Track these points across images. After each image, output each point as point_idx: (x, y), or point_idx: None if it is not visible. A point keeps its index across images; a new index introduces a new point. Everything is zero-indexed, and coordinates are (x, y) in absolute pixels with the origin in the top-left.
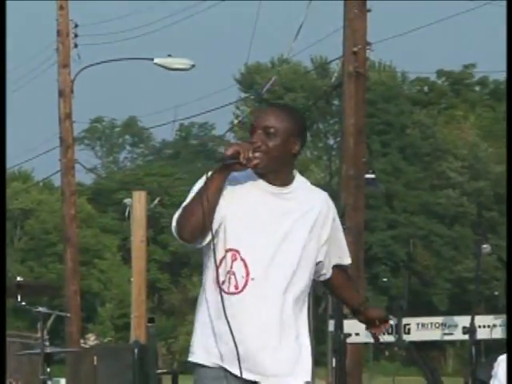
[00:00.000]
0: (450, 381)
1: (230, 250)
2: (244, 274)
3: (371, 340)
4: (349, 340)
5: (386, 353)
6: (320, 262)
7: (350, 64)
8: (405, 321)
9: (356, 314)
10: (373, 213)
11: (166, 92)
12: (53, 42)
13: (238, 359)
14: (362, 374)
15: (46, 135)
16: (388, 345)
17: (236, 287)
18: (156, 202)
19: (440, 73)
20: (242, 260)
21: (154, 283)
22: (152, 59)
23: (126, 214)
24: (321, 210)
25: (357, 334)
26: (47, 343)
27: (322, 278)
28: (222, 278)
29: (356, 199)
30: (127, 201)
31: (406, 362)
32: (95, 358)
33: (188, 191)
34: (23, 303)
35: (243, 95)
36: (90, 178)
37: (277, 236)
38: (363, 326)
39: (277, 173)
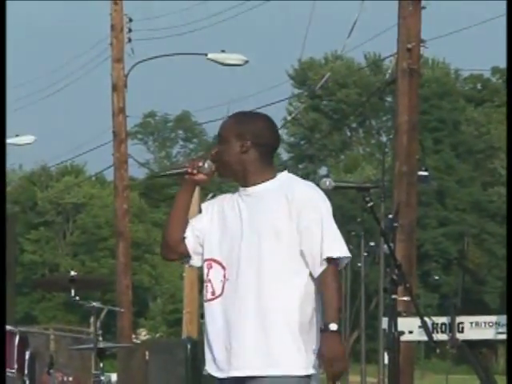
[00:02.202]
0: (502, 379)
1: (206, 260)
2: (222, 278)
3: (424, 338)
4: (402, 338)
5: (438, 351)
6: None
7: (404, 61)
8: (458, 319)
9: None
10: (424, 210)
11: (219, 87)
12: (107, 36)
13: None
14: (413, 372)
15: (99, 129)
16: (440, 343)
17: (213, 293)
18: (209, 197)
19: (494, 70)
20: (219, 264)
21: None
22: (206, 54)
23: None
24: (292, 200)
25: (410, 332)
26: (100, 338)
27: (314, 275)
28: (203, 289)
29: (409, 196)
30: None
31: (457, 361)
32: (147, 352)
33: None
34: (77, 298)
35: (296, 91)
36: (142, 172)
37: (248, 236)
38: (416, 323)
39: (243, 176)
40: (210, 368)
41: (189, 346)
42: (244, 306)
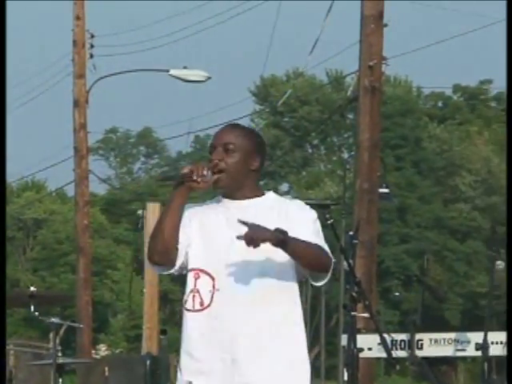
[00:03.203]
0: None
1: (192, 269)
2: (211, 288)
3: (383, 355)
4: (361, 354)
5: (397, 368)
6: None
7: (366, 78)
8: (418, 336)
9: None
10: (386, 227)
11: (182, 104)
12: (68, 52)
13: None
14: None
15: (61, 145)
16: (400, 360)
17: (201, 304)
18: None
19: (456, 88)
20: (207, 274)
21: (167, 294)
22: (167, 71)
23: (140, 225)
24: (280, 208)
25: (369, 349)
26: (59, 354)
27: (312, 282)
28: (185, 298)
29: (369, 213)
30: (141, 212)
31: (417, 377)
32: (107, 368)
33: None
34: (36, 313)
35: (258, 108)
36: (103, 188)
37: (237, 245)
38: (376, 340)
39: (238, 189)
40: (196, 378)
41: (148, 362)
42: (242, 317)
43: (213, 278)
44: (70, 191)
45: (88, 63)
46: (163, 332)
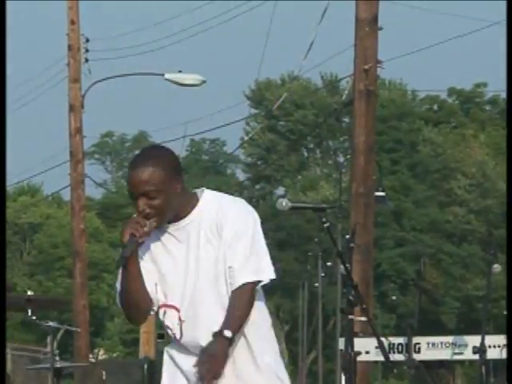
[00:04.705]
0: None
1: (159, 307)
2: (178, 321)
3: (381, 358)
4: (359, 358)
5: (395, 371)
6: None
7: (361, 82)
8: (415, 340)
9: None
10: (381, 230)
11: (177, 107)
12: (63, 56)
13: None
14: None
15: (56, 149)
16: (397, 363)
17: (175, 337)
18: None
19: (451, 91)
20: (173, 307)
21: None
22: (163, 75)
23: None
24: (215, 223)
25: (367, 353)
26: (57, 358)
27: (230, 287)
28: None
29: (365, 217)
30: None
31: (414, 381)
32: (104, 372)
33: None
34: (33, 317)
35: (253, 111)
36: (99, 192)
37: (189, 270)
38: (373, 344)
39: (174, 215)
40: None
41: (146, 366)
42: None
43: (178, 310)
44: (66, 195)
45: (83, 67)
46: (160, 336)
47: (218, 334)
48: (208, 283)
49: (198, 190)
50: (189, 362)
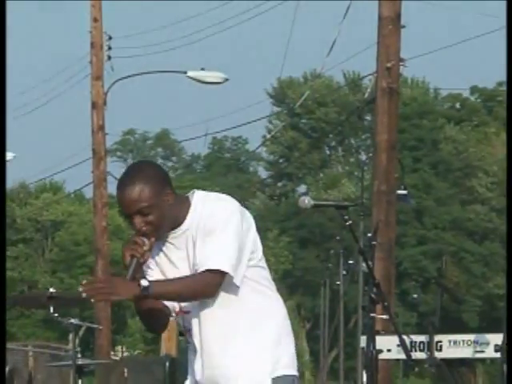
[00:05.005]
0: None
1: (176, 313)
2: (189, 324)
3: (402, 356)
4: (380, 356)
5: (416, 369)
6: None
7: (383, 80)
8: (436, 338)
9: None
10: (403, 228)
11: (199, 105)
12: (86, 54)
13: None
14: None
15: (79, 147)
16: (419, 361)
17: (188, 340)
18: None
19: (473, 89)
20: (185, 312)
21: None
22: (185, 72)
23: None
24: (203, 224)
25: (388, 351)
26: (78, 355)
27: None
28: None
29: (387, 215)
30: None
31: (436, 379)
32: (125, 370)
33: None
34: (55, 315)
35: (276, 109)
36: None
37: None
38: (395, 342)
39: (169, 226)
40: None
41: (167, 364)
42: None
43: (189, 315)
44: (88, 193)
45: (106, 65)
46: (182, 334)
47: (137, 278)
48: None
49: (189, 194)
50: (198, 364)
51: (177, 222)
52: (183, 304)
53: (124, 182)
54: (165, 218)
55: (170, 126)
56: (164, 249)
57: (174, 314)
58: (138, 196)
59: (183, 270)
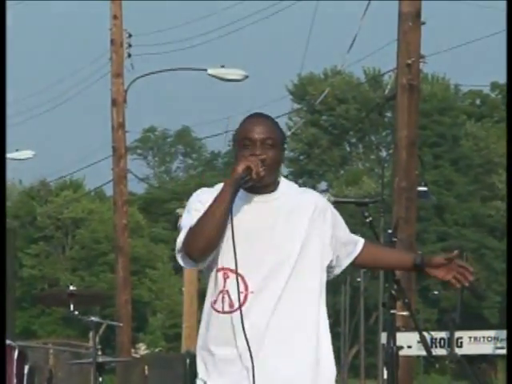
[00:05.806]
0: None
1: (222, 268)
2: (243, 289)
3: (423, 353)
4: (401, 352)
5: (437, 366)
6: (331, 260)
7: (404, 76)
8: (457, 334)
9: (420, 269)
10: (423, 225)
11: (219, 102)
12: (106, 51)
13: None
14: None
15: (99, 144)
16: (439, 358)
17: (231, 305)
18: None
19: (493, 85)
20: (239, 276)
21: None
22: (205, 70)
23: (178, 224)
24: (317, 206)
25: (409, 347)
26: (99, 352)
27: (330, 276)
28: (213, 298)
29: (408, 211)
30: (179, 211)
31: (456, 376)
32: (146, 367)
33: None
34: (76, 312)
35: (296, 106)
36: (141, 187)
37: (272, 243)
38: (415, 338)
39: (271, 183)
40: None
41: (188, 361)
42: (270, 319)
43: (244, 279)
44: (109, 190)
45: (126, 62)
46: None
47: (420, 256)
48: (286, 265)
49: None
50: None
51: (268, 188)
52: (251, 283)
53: (258, 116)
54: (277, 167)
55: (191, 124)
56: (246, 207)
57: (209, 259)
58: (271, 128)
59: (257, 242)
